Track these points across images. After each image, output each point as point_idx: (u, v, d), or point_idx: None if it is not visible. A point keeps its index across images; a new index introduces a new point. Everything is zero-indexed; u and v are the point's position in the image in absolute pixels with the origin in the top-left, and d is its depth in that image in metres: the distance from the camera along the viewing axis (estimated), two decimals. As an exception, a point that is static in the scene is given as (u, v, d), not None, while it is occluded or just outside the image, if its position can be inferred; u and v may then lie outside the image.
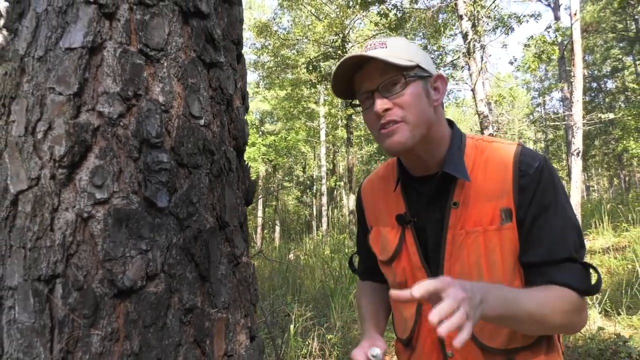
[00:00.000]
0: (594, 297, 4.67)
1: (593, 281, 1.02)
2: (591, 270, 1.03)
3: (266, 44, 18.25)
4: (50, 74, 0.91)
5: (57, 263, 0.83)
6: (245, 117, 1.19)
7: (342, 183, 23.34)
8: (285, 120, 22.48)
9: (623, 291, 4.79)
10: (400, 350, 1.24)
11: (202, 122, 1.01)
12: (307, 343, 4.44)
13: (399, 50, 1.02)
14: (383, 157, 24.22)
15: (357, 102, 1.10)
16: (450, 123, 1.15)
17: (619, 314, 4.46)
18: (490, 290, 0.90)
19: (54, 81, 0.90)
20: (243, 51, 1.25)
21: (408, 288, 1.08)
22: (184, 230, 0.94)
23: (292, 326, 4.52)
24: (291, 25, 19.70)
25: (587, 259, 7.00)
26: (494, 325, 1.03)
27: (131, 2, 0.97)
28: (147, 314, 0.85)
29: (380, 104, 1.00)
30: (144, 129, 0.91)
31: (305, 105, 21.72)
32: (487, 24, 11.09)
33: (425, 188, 1.12)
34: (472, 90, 9.98)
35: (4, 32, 1.03)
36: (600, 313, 4.51)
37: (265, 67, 20.33)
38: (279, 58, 18.98)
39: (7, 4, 1.06)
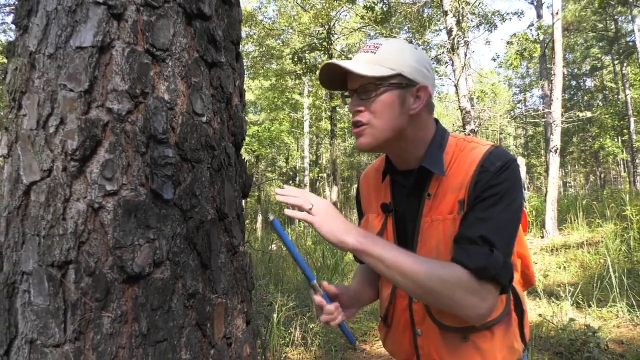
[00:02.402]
0: (566, 290, 4.86)
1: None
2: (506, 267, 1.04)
3: (251, 33, 18.15)
4: (61, 71, 0.96)
5: (69, 250, 0.88)
6: (243, 114, 1.25)
7: (324, 175, 23.45)
8: (269, 111, 22.42)
9: (595, 284, 4.99)
10: (380, 326, 1.36)
11: (204, 119, 1.07)
12: (289, 332, 4.53)
13: (385, 56, 1.11)
14: (366, 149, 24.35)
15: (346, 94, 1.21)
16: (436, 122, 1.24)
17: (589, 306, 4.65)
18: (356, 228, 1.05)
19: (65, 78, 0.95)
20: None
21: None
22: (187, 221, 1.00)
23: (275, 315, 4.61)
24: (276, 15, 19.59)
25: (562, 252, 7.20)
26: None
27: (138, 3, 1.02)
28: (154, 298, 0.92)
29: (354, 104, 1.13)
30: (151, 125, 0.97)
31: (289, 96, 21.70)
32: (471, 20, 11.23)
33: (406, 180, 1.22)
34: (455, 85, 10.14)
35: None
36: (572, 305, 4.69)
37: (250, 56, 20.24)
38: (263, 48, 18.90)
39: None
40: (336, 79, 1.19)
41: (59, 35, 0.98)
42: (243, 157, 1.24)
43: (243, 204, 1.28)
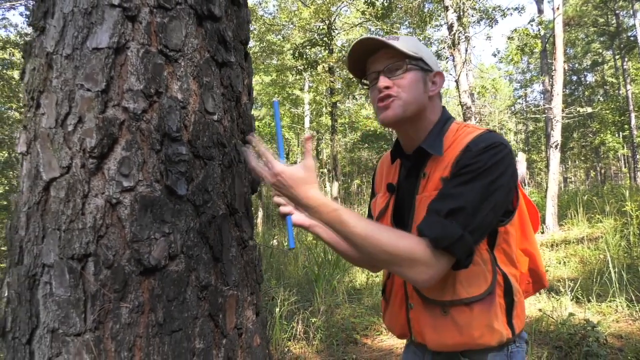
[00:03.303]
0: (566, 285, 4.90)
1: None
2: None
3: (251, 28, 18.12)
4: (79, 71, 1.00)
5: (88, 243, 0.92)
6: (251, 112, 1.29)
7: (325, 170, 23.47)
8: (269, 106, 22.41)
9: (594, 279, 5.03)
10: (382, 304, 1.41)
11: (215, 117, 1.11)
12: (291, 326, 4.57)
13: (409, 44, 1.20)
14: (366, 145, 24.37)
15: (366, 81, 1.28)
16: (443, 109, 1.31)
17: (589, 301, 4.69)
18: (321, 197, 1.03)
19: (83, 78, 0.99)
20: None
21: None
22: (200, 216, 1.04)
23: (277, 309, 4.65)
24: (277, 10, 19.55)
25: (562, 248, 7.23)
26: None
27: (151, 5, 1.05)
28: (170, 289, 0.96)
29: (383, 81, 1.18)
30: (165, 123, 1.01)
31: (290, 92, 21.69)
32: (472, 15, 11.22)
33: (409, 161, 1.28)
34: (456, 81, 10.15)
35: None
36: (571, 300, 4.74)
37: (250, 52, 20.15)
38: (264, 43, 18.87)
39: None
40: (356, 66, 1.27)
41: (76, 37, 1.01)
42: (252, 154, 1.28)
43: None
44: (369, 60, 1.25)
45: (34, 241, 0.97)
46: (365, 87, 1.31)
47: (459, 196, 1.06)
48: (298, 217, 1.29)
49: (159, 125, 1.01)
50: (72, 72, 1.00)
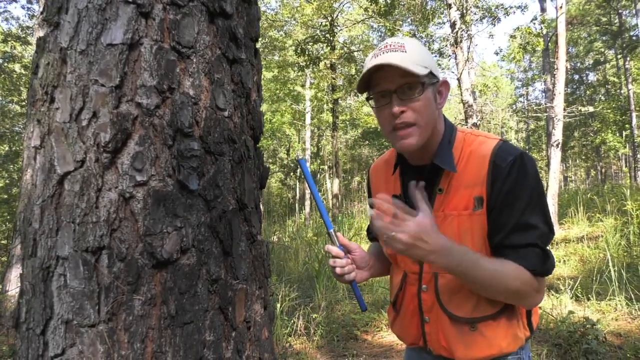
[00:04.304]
0: (566, 283, 4.93)
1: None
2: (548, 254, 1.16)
3: (254, 24, 18.05)
4: (93, 66, 1.01)
5: (102, 237, 0.94)
6: (260, 109, 1.30)
7: (325, 167, 23.48)
8: (270, 102, 22.42)
9: (594, 278, 5.06)
10: (389, 311, 1.42)
11: (226, 113, 1.12)
12: (292, 322, 4.60)
13: (416, 55, 1.13)
14: (367, 142, 24.36)
15: (372, 97, 1.21)
16: (444, 119, 1.29)
17: (588, 299, 4.72)
18: (451, 250, 1.08)
19: (97, 74, 1.00)
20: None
21: (397, 259, 1.29)
22: (210, 211, 1.06)
23: (278, 305, 4.68)
24: (279, 6, 19.51)
25: (562, 246, 7.25)
26: (462, 297, 1.20)
27: (164, 2, 1.06)
28: (181, 282, 0.97)
29: (398, 106, 1.13)
30: (178, 119, 1.02)
31: (291, 88, 21.68)
32: (475, 13, 11.20)
33: (417, 175, 1.27)
34: (458, 79, 10.14)
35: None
36: (571, 298, 4.76)
37: (254, 48, 20.10)
38: (266, 39, 18.84)
39: None
40: (360, 83, 1.21)
41: (90, 33, 1.03)
42: (261, 150, 1.29)
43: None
44: (375, 74, 1.17)
45: (48, 234, 0.98)
46: (370, 104, 1.23)
47: (531, 225, 1.13)
48: (358, 276, 1.33)
49: (172, 120, 1.02)
50: (87, 67, 1.02)
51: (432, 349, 1.27)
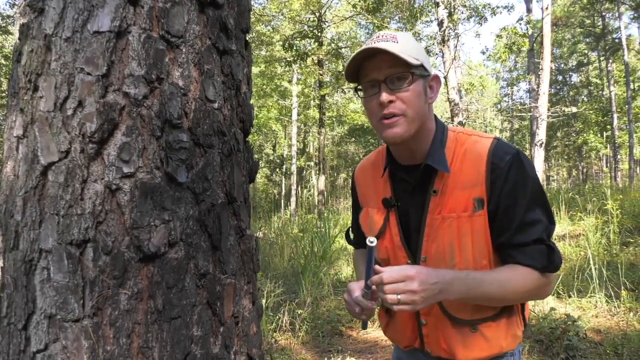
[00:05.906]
0: (549, 280, 4.99)
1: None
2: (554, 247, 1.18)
3: (241, 18, 17.89)
4: (78, 54, 0.98)
5: (87, 229, 0.91)
6: (250, 102, 1.28)
7: (312, 163, 23.46)
8: (257, 97, 22.29)
9: (575, 276, 5.13)
10: (381, 315, 1.40)
11: (215, 105, 1.10)
12: (277, 317, 4.59)
13: (409, 47, 1.12)
14: (354, 139, 24.41)
15: (359, 87, 1.20)
16: (435, 117, 1.28)
17: (570, 296, 4.79)
18: (455, 279, 1.08)
19: (83, 62, 0.97)
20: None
21: (390, 264, 1.26)
22: (199, 204, 1.03)
23: (263, 301, 4.66)
24: (267, 0, 19.38)
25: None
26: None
27: (153, -10, 1.04)
28: (169, 276, 0.95)
29: (386, 95, 1.11)
30: (167, 110, 1.00)
31: (278, 83, 21.59)
32: (462, 12, 11.26)
33: (410, 176, 1.24)
34: (445, 77, 10.20)
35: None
36: (553, 295, 4.83)
37: (240, 42, 19.92)
38: (253, 34, 18.71)
39: None
40: (350, 69, 1.19)
41: (76, 19, 1.00)
42: (250, 144, 1.27)
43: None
44: (365, 63, 1.15)
45: (31, 226, 0.96)
46: (359, 95, 1.22)
47: (535, 220, 1.15)
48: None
49: (160, 111, 1.00)
50: (72, 55, 0.99)
51: (431, 350, 1.27)
